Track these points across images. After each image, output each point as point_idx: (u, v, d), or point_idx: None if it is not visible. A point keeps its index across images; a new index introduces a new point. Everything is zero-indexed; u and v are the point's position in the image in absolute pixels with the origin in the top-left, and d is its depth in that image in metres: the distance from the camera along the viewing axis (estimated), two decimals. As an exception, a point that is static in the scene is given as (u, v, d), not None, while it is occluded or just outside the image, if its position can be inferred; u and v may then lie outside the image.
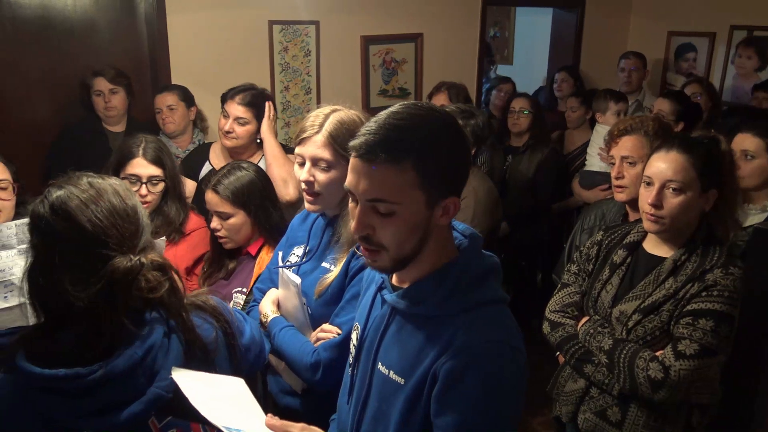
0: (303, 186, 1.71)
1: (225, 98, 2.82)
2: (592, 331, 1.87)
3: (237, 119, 2.76)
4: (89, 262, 1.12)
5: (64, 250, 1.13)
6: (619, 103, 3.66)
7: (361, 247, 1.19)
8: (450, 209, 1.16)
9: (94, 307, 1.10)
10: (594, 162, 3.60)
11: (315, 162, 1.67)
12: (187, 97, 3.33)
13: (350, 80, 4.22)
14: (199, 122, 3.51)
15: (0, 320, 1.96)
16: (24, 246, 1.98)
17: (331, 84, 4.12)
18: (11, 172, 2.12)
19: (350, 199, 1.18)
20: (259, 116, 2.81)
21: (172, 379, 1.15)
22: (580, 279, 2.05)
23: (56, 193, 1.16)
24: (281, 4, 3.84)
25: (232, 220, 2.16)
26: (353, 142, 1.13)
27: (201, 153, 3.02)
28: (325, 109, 1.70)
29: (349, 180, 1.15)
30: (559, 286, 2.09)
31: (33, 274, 1.16)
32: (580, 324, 1.93)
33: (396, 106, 1.16)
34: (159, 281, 1.16)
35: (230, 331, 1.32)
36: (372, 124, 1.13)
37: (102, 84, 3.19)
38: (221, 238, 2.19)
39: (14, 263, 1.98)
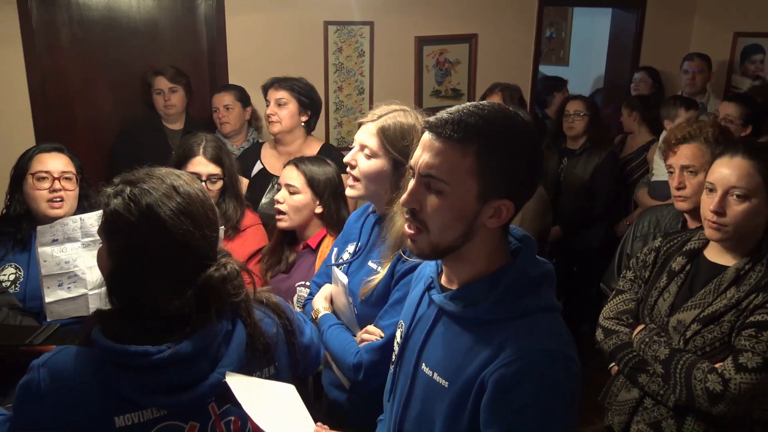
0: (348, 169, 1.76)
1: (265, 88, 2.92)
2: (647, 339, 1.82)
3: (276, 101, 2.84)
4: (182, 272, 1.16)
5: (154, 260, 1.15)
6: (689, 110, 3.51)
7: (406, 224, 1.19)
8: (502, 212, 1.13)
9: (185, 312, 1.15)
10: (663, 171, 3.48)
11: (362, 147, 1.72)
12: (243, 97, 3.41)
13: (403, 81, 4.23)
14: (253, 121, 3.58)
15: (64, 309, 2.04)
16: (88, 239, 2.06)
17: (384, 84, 4.13)
18: (75, 166, 2.21)
19: (410, 174, 1.18)
20: (299, 99, 2.87)
21: (236, 365, 1.20)
22: (636, 286, 1.99)
23: (145, 200, 1.15)
24: (336, 5, 3.87)
25: (298, 198, 2.22)
26: (429, 119, 1.14)
27: (253, 152, 3.10)
28: (395, 106, 1.73)
29: (415, 155, 1.16)
30: (614, 292, 2.04)
31: (118, 280, 1.18)
32: (635, 332, 1.88)
33: (484, 101, 1.17)
34: (241, 285, 1.23)
35: (290, 329, 1.36)
36: (454, 107, 1.14)
37: (162, 83, 3.30)
38: (279, 213, 2.24)
39: (78, 255, 2.07)
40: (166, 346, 1.12)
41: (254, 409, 1.14)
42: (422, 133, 1.17)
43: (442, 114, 1.12)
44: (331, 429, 1.30)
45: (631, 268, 2.04)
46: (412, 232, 1.17)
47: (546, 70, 6.15)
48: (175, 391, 1.14)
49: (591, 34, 6.38)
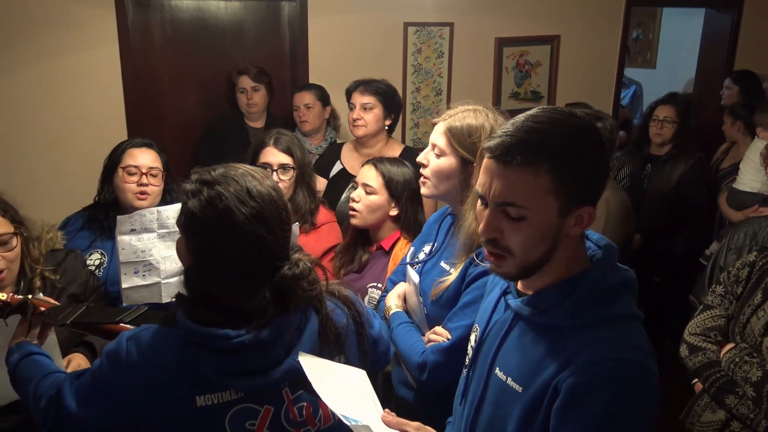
0: (420, 168, 1.78)
1: (349, 91, 2.94)
2: (737, 359, 1.71)
3: (362, 105, 2.86)
4: (255, 273, 1.20)
5: (228, 261, 1.19)
6: None
7: (486, 251, 1.17)
8: (584, 219, 1.10)
9: (263, 308, 1.19)
10: (746, 180, 3.29)
11: (433, 147, 1.73)
12: (323, 97, 3.46)
13: (482, 82, 4.18)
14: (332, 121, 3.63)
15: (138, 296, 2.14)
16: (164, 231, 2.15)
17: (462, 86, 4.10)
18: (162, 162, 2.31)
19: (479, 201, 1.16)
20: (384, 102, 2.87)
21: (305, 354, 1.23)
22: (726, 302, 1.88)
23: (221, 205, 1.18)
24: (416, 6, 3.87)
25: (374, 198, 2.23)
26: (488, 143, 1.11)
27: (333, 152, 3.13)
28: (468, 106, 1.73)
29: (481, 181, 1.13)
30: (701, 307, 1.94)
31: (195, 276, 1.22)
32: (724, 350, 1.78)
33: (535, 110, 1.13)
34: (316, 280, 1.27)
35: (360, 320, 1.39)
36: (509, 126, 1.10)
37: (245, 82, 3.40)
38: (354, 210, 2.26)
39: (153, 245, 2.16)
40: (245, 331, 1.17)
41: (323, 388, 1.15)
42: (482, 155, 1.13)
43: (503, 138, 1.08)
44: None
45: (721, 282, 1.93)
46: (494, 259, 1.15)
47: (631, 72, 5.95)
48: (252, 375, 1.19)
49: (681, 36, 6.11)
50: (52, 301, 1.64)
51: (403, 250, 2.17)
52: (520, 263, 1.12)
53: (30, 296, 1.55)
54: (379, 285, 2.19)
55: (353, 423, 1.10)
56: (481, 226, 1.14)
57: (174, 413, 1.19)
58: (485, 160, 1.12)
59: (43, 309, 1.52)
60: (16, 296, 1.52)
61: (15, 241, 1.78)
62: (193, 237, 1.22)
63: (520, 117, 1.12)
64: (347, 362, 1.34)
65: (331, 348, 1.30)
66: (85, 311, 1.49)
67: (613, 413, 1.04)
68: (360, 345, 1.38)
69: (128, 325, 1.42)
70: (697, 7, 5.10)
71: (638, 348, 1.09)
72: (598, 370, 1.04)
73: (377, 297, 2.15)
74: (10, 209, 1.81)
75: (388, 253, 2.24)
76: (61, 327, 1.49)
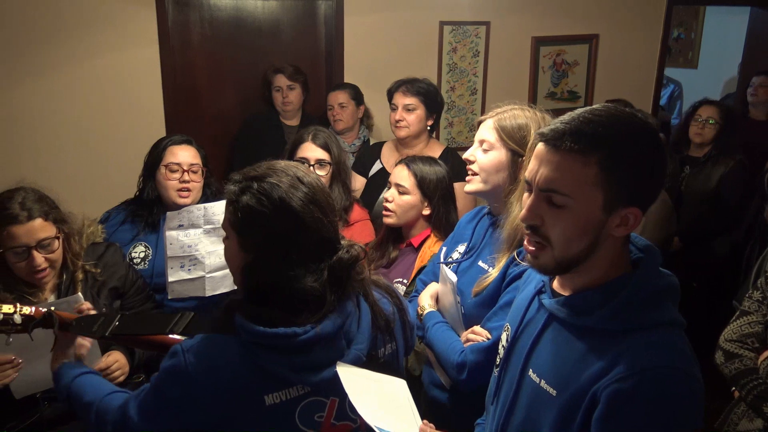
0: (467, 165, 1.78)
1: (391, 92, 2.93)
2: (776, 367, 1.67)
3: (405, 106, 2.85)
4: (316, 256, 1.23)
5: (291, 247, 1.22)
6: None
7: (526, 239, 1.15)
8: (629, 220, 1.08)
9: (321, 294, 1.22)
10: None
11: (481, 143, 1.73)
12: (357, 96, 3.48)
13: (517, 82, 4.15)
14: (365, 119, 3.64)
15: (183, 289, 2.20)
16: (209, 227, 2.20)
17: (498, 85, 4.07)
18: (202, 158, 2.36)
19: (526, 188, 1.15)
20: (426, 102, 2.86)
21: (367, 342, 1.27)
22: (764, 308, 1.84)
23: (276, 192, 1.21)
24: (452, 5, 3.86)
25: (407, 198, 2.24)
26: (542, 129, 1.11)
27: (373, 151, 3.14)
28: (515, 105, 1.74)
29: (530, 168, 1.13)
30: (738, 313, 1.90)
31: (257, 270, 1.23)
32: (762, 358, 1.74)
33: (597, 105, 1.13)
34: (363, 265, 1.31)
35: (402, 307, 1.42)
36: (566, 115, 1.10)
37: (281, 80, 3.44)
38: (387, 210, 2.27)
39: (199, 241, 2.21)
40: (311, 327, 1.19)
41: (360, 399, 1.16)
42: (535, 143, 1.13)
43: (557, 125, 1.08)
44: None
45: (759, 288, 1.89)
46: (532, 248, 1.14)
47: (672, 72, 5.83)
48: (319, 369, 1.21)
49: (724, 35, 5.96)
50: (80, 310, 1.64)
51: (432, 247, 2.17)
52: (557, 255, 1.10)
53: (53, 308, 1.55)
54: (405, 280, 2.19)
55: None
56: (523, 211, 1.13)
57: (244, 416, 1.20)
58: (537, 146, 1.12)
59: (68, 320, 1.51)
60: (40, 309, 1.52)
61: (57, 244, 1.81)
62: (251, 231, 1.23)
63: (579, 109, 1.11)
64: (397, 348, 1.38)
65: (384, 335, 1.34)
66: (123, 321, 1.47)
67: (658, 423, 1.01)
68: (404, 332, 1.41)
69: (177, 336, 1.41)
70: (742, 5, 4.97)
71: (682, 355, 1.06)
72: (641, 378, 1.02)
73: (402, 292, 2.16)
74: (53, 212, 1.82)
75: (417, 249, 2.24)
76: (101, 339, 1.47)
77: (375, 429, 1.12)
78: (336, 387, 1.23)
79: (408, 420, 1.20)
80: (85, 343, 1.59)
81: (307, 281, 1.20)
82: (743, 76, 5.05)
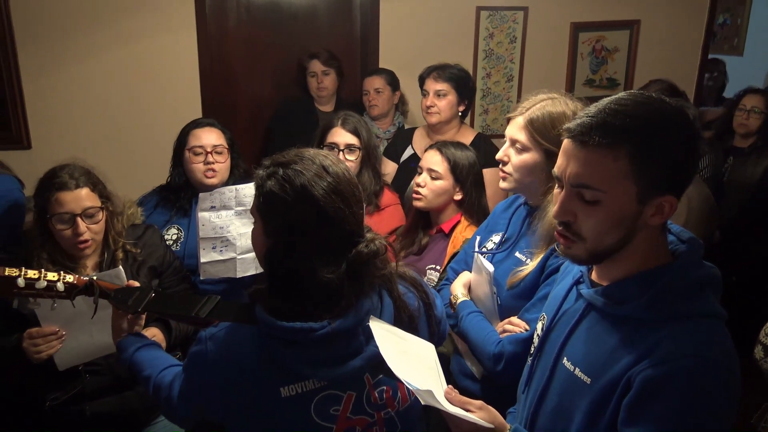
0: (500, 165, 1.73)
1: (422, 77, 2.91)
2: (820, 363, 1.62)
3: (436, 92, 2.83)
4: (334, 247, 1.22)
5: (309, 236, 1.21)
6: None
7: (556, 233, 1.14)
8: (665, 209, 1.06)
9: (339, 286, 1.21)
10: None
11: (513, 142, 1.67)
12: (392, 81, 3.46)
13: (555, 68, 4.07)
14: (400, 105, 3.63)
15: (215, 270, 2.23)
16: (240, 208, 2.22)
17: (535, 72, 4.01)
18: (226, 138, 2.39)
19: (556, 184, 1.14)
20: (458, 89, 2.84)
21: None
22: (809, 303, 1.78)
23: (299, 180, 1.20)
24: (490, -10, 3.81)
25: (439, 183, 2.24)
26: (568, 125, 1.08)
27: (404, 137, 3.13)
28: (543, 95, 1.67)
29: (558, 163, 1.11)
30: (781, 307, 1.84)
31: (277, 256, 1.23)
32: (806, 354, 1.69)
33: (622, 93, 1.09)
34: (387, 260, 1.29)
35: (428, 302, 1.40)
36: (592, 107, 1.08)
37: (316, 66, 3.44)
38: (417, 195, 2.26)
39: (231, 222, 2.24)
40: (327, 322, 1.18)
41: (391, 354, 1.16)
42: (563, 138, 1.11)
43: (583, 119, 1.06)
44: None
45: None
46: (563, 241, 1.13)
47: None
48: (336, 364, 1.21)
49: (772, 21, 5.75)
50: (120, 280, 1.69)
51: (464, 232, 2.16)
52: (590, 248, 1.10)
53: (95, 277, 1.60)
54: (438, 267, 2.18)
55: (415, 388, 1.11)
56: (555, 208, 1.12)
57: (260, 406, 1.22)
58: (564, 141, 1.10)
59: (108, 290, 1.56)
60: (81, 278, 1.57)
61: (101, 215, 1.88)
62: (272, 217, 1.23)
63: (605, 99, 1.08)
64: None
65: (406, 330, 1.32)
66: (155, 298, 1.52)
67: (689, 412, 0.99)
68: (429, 326, 1.39)
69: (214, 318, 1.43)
70: (793, -10, 4.79)
71: (720, 347, 1.04)
72: (676, 366, 1.00)
73: (435, 279, 2.15)
74: (99, 184, 1.91)
75: (448, 235, 2.23)
76: (134, 313, 1.53)
77: (404, 381, 1.12)
78: (353, 381, 1.24)
79: (434, 381, 1.20)
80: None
81: (323, 272, 1.19)
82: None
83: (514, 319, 1.64)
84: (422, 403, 1.12)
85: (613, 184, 1.04)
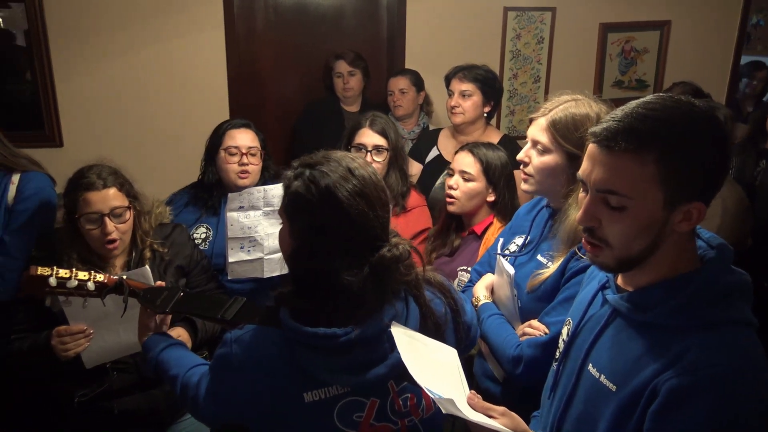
0: (521, 166, 1.71)
1: (448, 78, 2.91)
2: None
3: (461, 93, 2.82)
4: (357, 250, 1.21)
5: (333, 238, 1.21)
6: None
7: (584, 240, 1.13)
8: (693, 215, 1.04)
9: (362, 291, 1.20)
10: None
11: (534, 143, 1.66)
12: (418, 82, 3.46)
13: (583, 69, 4.03)
14: (425, 106, 3.62)
15: (242, 270, 2.25)
16: (268, 209, 2.24)
17: (562, 73, 3.98)
18: (260, 141, 2.40)
19: (581, 188, 1.12)
20: (483, 90, 2.83)
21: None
22: None
23: (324, 181, 1.19)
24: (518, -10, 3.79)
25: (471, 185, 2.22)
26: (594, 128, 1.07)
27: (430, 138, 3.12)
28: (566, 96, 1.65)
29: (583, 167, 1.09)
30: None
31: (301, 257, 1.24)
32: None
33: (650, 96, 1.07)
34: (412, 265, 1.27)
35: (456, 308, 1.38)
36: (619, 111, 1.06)
37: (342, 66, 3.45)
38: (450, 198, 2.25)
39: (258, 222, 2.26)
40: (351, 329, 1.17)
41: (412, 361, 1.15)
42: (588, 142, 1.09)
43: (610, 123, 1.03)
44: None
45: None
46: (590, 249, 1.11)
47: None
48: (359, 370, 1.20)
49: (809, 22, 5.61)
50: (146, 279, 1.71)
51: (496, 234, 2.14)
52: (618, 255, 1.08)
53: (125, 276, 1.63)
54: (469, 269, 2.17)
55: (437, 396, 1.10)
56: (579, 213, 1.10)
57: (283, 411, 1.22)
58: (589, 146, 1.08)
59: (138, 289, 1.58)
60: (112, 277, 1.60)
61: (128, 214, 1.90)
62: (298, 218, 1.23)
63: (632, 103, 1.06)
64: None
65: (432, 338, 1.30)
66: (183, 298, 1.53)
67: (715, 423, 0.97)
68: (456, 333, 1.37)
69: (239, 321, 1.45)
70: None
71: (750, 356, 1.02)
72: (704, 375, 0.98)
73: (466, 280, 2.14)
74: (126, 184, 1.93)
75: (480, 237, 2.22)
76: (161, 313, 1.55)
77: (424, 389, 1.11)
78: (377, 388, 1.23)
79: (457, 387, 1.19)
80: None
81: (345, 275, 1.18)
82: (828, 65, 4.76)
83: (534, 322, 1.63)
84: (443, 412, 1.11)
85: (639, 190, 1.02)
